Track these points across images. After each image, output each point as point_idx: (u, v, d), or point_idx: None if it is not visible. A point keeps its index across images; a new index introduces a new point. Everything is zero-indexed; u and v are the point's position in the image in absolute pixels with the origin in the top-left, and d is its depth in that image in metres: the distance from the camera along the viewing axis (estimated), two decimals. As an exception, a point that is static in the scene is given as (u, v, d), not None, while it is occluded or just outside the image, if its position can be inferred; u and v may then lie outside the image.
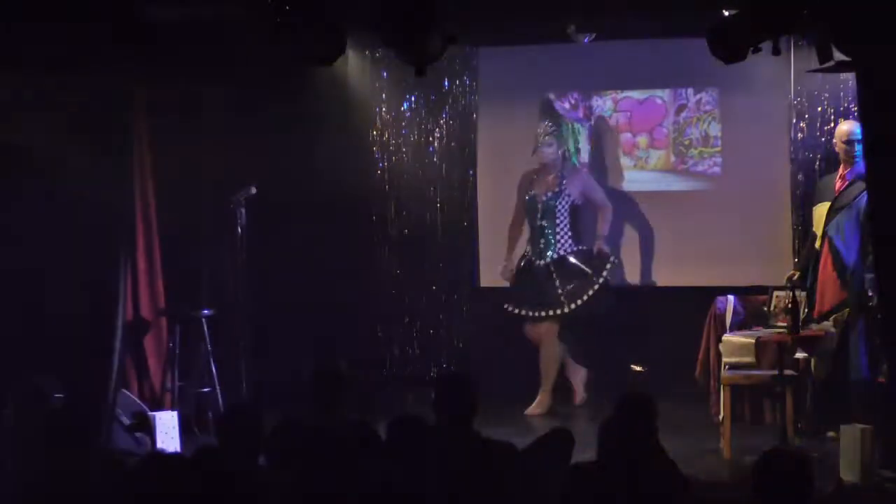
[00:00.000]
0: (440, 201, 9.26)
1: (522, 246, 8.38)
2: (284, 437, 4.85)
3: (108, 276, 6.83)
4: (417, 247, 9.33)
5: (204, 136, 7.60)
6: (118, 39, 6.44)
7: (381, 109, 9.25)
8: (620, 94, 8.80)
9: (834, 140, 7.23)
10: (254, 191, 7.49)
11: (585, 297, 7.99)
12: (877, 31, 5.54)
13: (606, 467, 4.24)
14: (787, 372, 6.79)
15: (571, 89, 8.83)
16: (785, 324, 6.72)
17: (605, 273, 8.03)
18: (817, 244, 7.20)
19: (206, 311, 7.61)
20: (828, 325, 7.02)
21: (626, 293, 8.44)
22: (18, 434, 5.78)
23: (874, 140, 5.99)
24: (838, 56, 6.19)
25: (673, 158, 8.74)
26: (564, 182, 8.11)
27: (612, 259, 8.10)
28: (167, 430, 6.98)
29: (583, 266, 8.05)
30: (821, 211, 7.20)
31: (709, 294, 7.79)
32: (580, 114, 8.75)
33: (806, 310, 6.96)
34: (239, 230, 7.46)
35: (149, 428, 6.96)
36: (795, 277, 7.08)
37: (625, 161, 8.78)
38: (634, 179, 8.75)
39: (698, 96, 8.65)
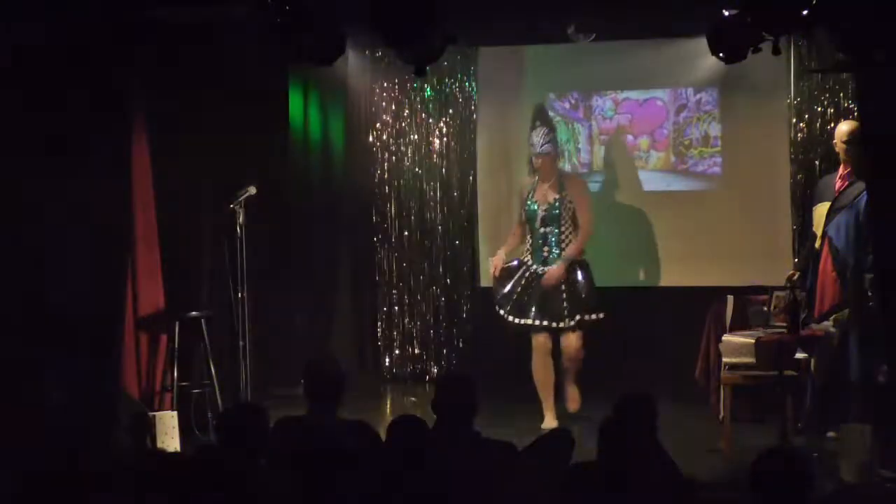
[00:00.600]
0: (440, 201, 9.27)
1: (520, 248, 7.95)
2: (284, 437, 4.85)
3: (109, 276, 6.83)
4: (417, 247, 9.34)
5: (204, 136, 7.59)
6: (118, 39, 6.45)
7: (381, 109, 9.26)
8: (620, 95, 8.81)
9: (834, 140, 7.23)
10: (254, 191, 7.49)
11: (592, 317, 7.60)
12: (877, 32, 5.54)
13: (606, 467, 4.24)
14: (787, 372, 6.78)
15: (571, 89, 8.84)
16: (785, 324, 6.71)
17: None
18: (817, 244, 7.20)
19: (206, 312, 7.61)
20: (828, 325, 7.02)
21: (626, 293, 8.45)
22: (20, 434, 5.78)
23: (874, 140, 5.99)
24: (838, 56, 6.18)
25: (673, 158, 8.75)
26: (565, 188, 7.68)
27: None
28: (167, 430, 6.97)
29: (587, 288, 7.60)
30: (821, 211, 7.20)
31: (709, 294, 7.80)
32: (580, 114, 8.75)
33: (806, 310, 6.96)
34: (239, 230, 7.45)
35: (149, 428, 6.96)
36: (795, 277, 7.08)
37: (625, 161, 8.79)
38: (634, 179, 8.76)
39: (698, 96, 8.66)
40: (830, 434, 6.96)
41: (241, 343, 7.52)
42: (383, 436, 4.71)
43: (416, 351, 9.39)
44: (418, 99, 9.24)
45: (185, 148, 7.55)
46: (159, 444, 6.85)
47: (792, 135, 8.44)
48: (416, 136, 9.25)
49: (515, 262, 7.80)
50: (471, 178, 9.17)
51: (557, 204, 7.63)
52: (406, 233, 9.33)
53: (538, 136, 7.68)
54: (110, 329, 6.78)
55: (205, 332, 7.53)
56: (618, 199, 8.76)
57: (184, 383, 7.48)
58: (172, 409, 7.22)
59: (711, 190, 8.69)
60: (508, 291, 7.75)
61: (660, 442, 4.50)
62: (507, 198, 8.80)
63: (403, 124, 9.28)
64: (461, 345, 9.29)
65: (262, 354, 7.84)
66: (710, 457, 6.75)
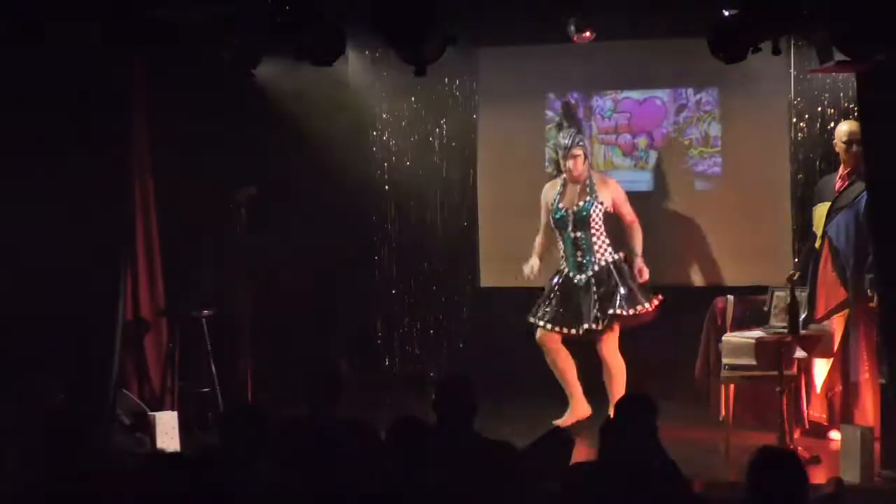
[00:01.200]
0: (440, 201, 9.27)
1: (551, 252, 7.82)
2: (284, 437, 4.85)
3: (108, 276, 6.83)
4: (417, 247, 9.33)
5: (204, 136, 7.59)
6: (119, 39, 6.45)
7: (381, 109, 9.26)
8: (620, 95, 8.80)
9: (834, 140, 7.23)
10: (254, 191, 7.49)
11: (622, 313, 7.42)
12: (876, 32, 5.54)
13: (606, 467, 4.23)
14: (787, 372, 6.78)
15: (571, 89, 8.83)
16: (785, 324, 6.72)
17: (647, 304, 7.48)
18: (817, 244, 7.20)
19: (206, 311, 7.60)
20: (828, 325, 7.03)
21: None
22: (19, 434, 5.78)
23: (874, 140, 5.99)
24: (838, 56, 6.18)
25: (672, 158, 8.74)
26: (595, 189, 7.56)
27: (658, 297, 7.51)
28: (167, 430, 6.97)
29: (629, 285, 7.48)
30: (821, 211, 7.19)
31: (709, 294, 7.79)
32: (580, 114, 8.75)
33: (806, 310, 6.95)
34: (239, 230, 7.45)
35: (149, 428, 6.97)
36: (795, 277, 7.07)
37: (625, 161, 8.78)
38: (634, 179, 8.75)
39: (698, 96, 8.65)
40: (830, 434, 6.98)
41: (241, 343, 7.52)
42: (383, 436, 4.71)
43: (416, 351, 9.39)
44: (418, 99, 9.23)
45: (185, 148, 7.55)
46: (159, 444, 6.85)
47: (792, 135, 8.43)
48: (416, 137, 9.25)
49: (559, 278, 7.63)
50: (471, 178, 9.17)
51: (588, 207, 7.50)
52: (406, 233, 9.33)
53: (567, 138, 7.58)
54: (110, 329, 6.78)
55: (205, 332, 7.54)
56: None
57: (183, 383, 7.48)
58: (172, 409, 7.23)
59: (711, 190, 8.68)
60: (546, 301, 7.62)
61: (660, 442, 4.50)
62: (508, 197, 8.79)
63: (403, 124, 9.28)
64: (461, 345, 9.28)
65: (262, 354, 7.84)
66: (710, 457, 6.75)
